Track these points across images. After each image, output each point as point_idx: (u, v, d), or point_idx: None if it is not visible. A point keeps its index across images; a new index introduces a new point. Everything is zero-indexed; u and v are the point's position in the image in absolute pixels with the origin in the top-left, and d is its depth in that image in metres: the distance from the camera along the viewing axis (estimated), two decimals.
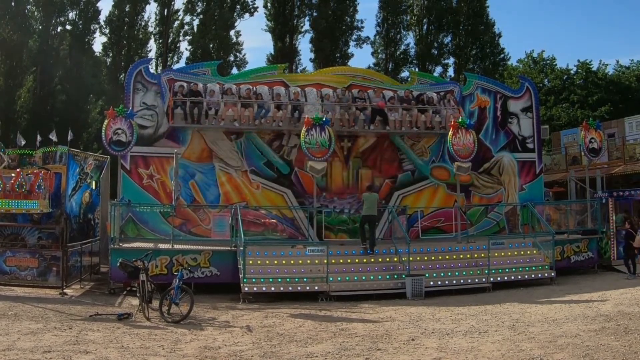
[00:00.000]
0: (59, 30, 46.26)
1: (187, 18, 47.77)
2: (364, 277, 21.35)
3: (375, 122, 26.42)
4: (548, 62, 55.87)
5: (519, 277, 22.73)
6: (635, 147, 33.22)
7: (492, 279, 22.07)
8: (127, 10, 47.15)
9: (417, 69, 45.92)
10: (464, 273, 22.24)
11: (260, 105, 25.80)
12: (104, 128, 23.39)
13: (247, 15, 48.62)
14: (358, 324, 15.80)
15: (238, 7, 48.30)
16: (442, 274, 22.02)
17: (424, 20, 49.15)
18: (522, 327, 14.61)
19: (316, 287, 20.50)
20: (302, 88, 26.85)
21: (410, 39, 50.00)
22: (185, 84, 25.93)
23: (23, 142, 25.74)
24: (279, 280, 20.62)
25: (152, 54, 47.73)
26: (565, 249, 25.19)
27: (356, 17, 48.74)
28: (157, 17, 47.68)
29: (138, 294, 16.89)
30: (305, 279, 20.74)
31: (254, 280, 20.36)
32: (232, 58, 48.11)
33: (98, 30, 47.19)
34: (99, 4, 47.23)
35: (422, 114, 26.97)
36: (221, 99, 25.57)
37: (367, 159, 27.67)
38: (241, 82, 26.80)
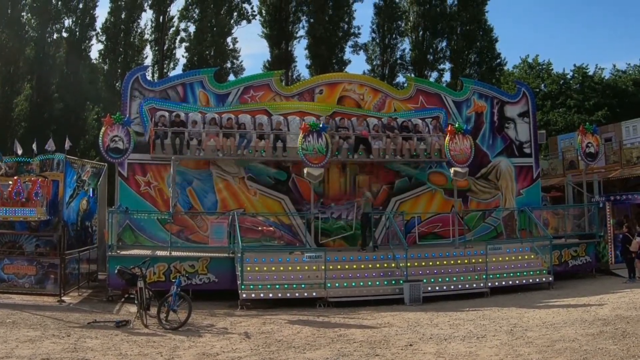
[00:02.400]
0: (55, 37, 46.23)
1: (183, 25, 47.77)
2: (361, 283, 21.36)
3: (358, 150, 26.19)
4: (544, 67, 55.92)
5: (517, 281, 22.79)
6: (633, 151, 33.27)
7: (490, 284, 22.11)
8: (122, 17, 47.06)
9: (413, 75, 45.90)
10: (462, 278, 22.28)
11: (242, 135, 25.52)
12: (101, 135, 23.46)
13: (244, 22, 48.63)
14: (356, 330, 15.81)
15: (235, 13, 48.28)
16: (440, 280, 22.05)
17: (419, 26, 49.12)
18: (520, 332, 14.63)
19: (314, 294, 20.51)
20: (285, 116, 26.63)
21: (406, 44, 50.05)
22: (166, 114, 25.71)
23: (20, 151, 25.72)
24: (277, 286, 20.62)
25: (148, 61, 47.75)
26: (563, 254, 25.24)
27: (353, 24, 48.71)
28: (153, 24, 47.64)
29: (136, 301, 16.90)
30: (303, 285, 20.76)
31: (251, 286, 20.37)
32: (229, 65, 48.05)
33: (94, 38, 47.17)
34: (95, 11, 47.12)
35: (406, 142, 26.69)
36: (202, 128, 25.33)
37: (365, 165, 27.68)
38: (223, 111, 26.47)
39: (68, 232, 24.73)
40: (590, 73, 54.05)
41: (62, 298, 20.66)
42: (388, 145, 26.39)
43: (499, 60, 50.24)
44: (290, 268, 21.53)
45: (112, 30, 46.72)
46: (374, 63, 49.80)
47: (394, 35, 49.83)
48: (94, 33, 46.97)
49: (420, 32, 49.20)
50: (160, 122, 25.27)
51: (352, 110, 27.99)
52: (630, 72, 56.11)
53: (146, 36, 48.08)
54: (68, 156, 25.42)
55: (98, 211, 27.64)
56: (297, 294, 20.53)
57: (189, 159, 25.35)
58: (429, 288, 21.36)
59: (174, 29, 47.90)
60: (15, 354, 12.51)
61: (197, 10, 47.45)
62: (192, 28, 47.46)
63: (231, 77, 45.60)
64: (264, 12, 47.48)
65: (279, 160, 26.16)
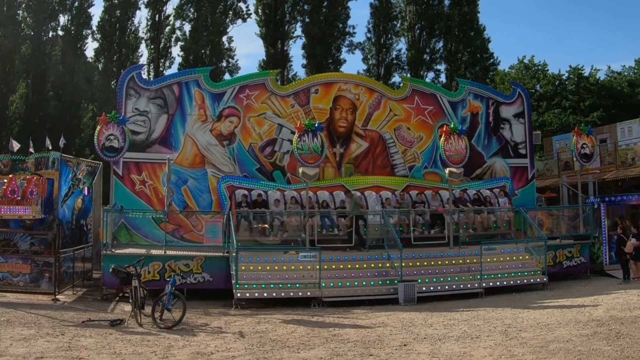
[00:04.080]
0: (50, 35, 46.11)
1: (178, 23, 47.72)
2: (356, 283, 21.36)
3: (434, 225, 25.97)
4: (540, 67, 56.01)
5: (512, 282, 22.81)
6: (627, 152, 33.29)
7: (484, 285, 22.10)
8: (117, 15, 46.98)
9: (409, 75, 45.95)
10: (457, 278, 22.29)
11: (325, 215, 25.24)
12: (96, 134, 23.49)
13: (239, 21, 48.54)
14: (350, 330, 15.81)
15: (230, 13, 48.20)
16: (434, 280, 22.06)
17: (416, 26, 49.13)
18: (514, 332, 14.64)
19: (309, 293, 20.52)
20: (361, 191, 26.43)
21: (402, 44, 50.07)
22: (247, 192, 25.54)
23: (17, 148, 25.66)
24: (272, 286, 20.63)
25: (143, 60, 47.68)
26: (557, 254, 25.25)
27: (348, 23, 48.71)
28: (149, 23, 47.56)
29: (130, 300, 16.86)
30: (297, 285, 20.75)
31: (246, 286, 20.36)
32: (224, 64, 48.00)
33: (90, 36, 47.06)
34: (90, 10, 47.06)
35: (478, 215, 26.64)
36: (284, 208, 25.09)
37: (360, 165, 27.75)
38: (300, 188, 25.92)
39: (63, 230, 24.67)
40: (586, 74, 54.18)
41: (57, 297, 20.65)
42: (461, 220, 26.16)
43: (492, 61, 50.31)
44: (285, 267, 21.56)
45: (108, 28, 46.62)
46: (370, 63, 49.85)
47: (389, 35, 49.83)
48: (89, 31, 46.92)
49: (417, 32, 49.21)
50: (243, 201, 25.06)
51: (424, 184, 28.17)
52: (626, 73, 56.25)
53: (141, 34, 48.08)
54: (63, 154, 25.37)
55: (93, 210, 27.63)
56: (291, 294, 20.53)
57: (272, 242, 24.51)
58: (424, 288, 21.37)
59: (169, 27, 47.88)
60: (10, 352, 12.49)
61: (192, 9, 47.46)
62: (187, 27, 47.50)
63: (227, 76, 45.62)
64: (259, 11, 47.49)
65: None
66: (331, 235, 24.76)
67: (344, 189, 26.76)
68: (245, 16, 48.45)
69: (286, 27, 48.10)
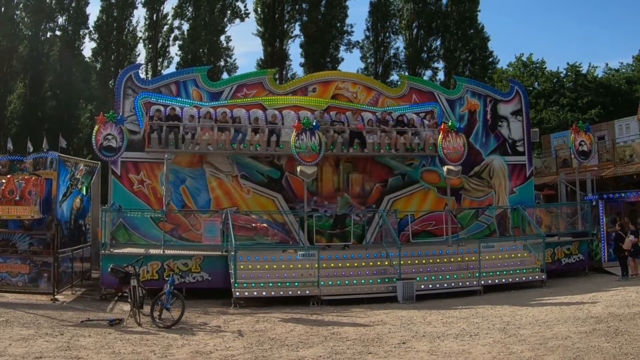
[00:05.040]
0: (48, 35, 46.12)
1: (176, 23, 47.73)
2: (355, 281, 21.37)
3: (353, 144, 26.18)
4: (538, 65, 56.01)
5: (510, 279, 22.84)
6: (625, 149, 33.28)
7: (483, 282, 22.14)
8: (114, 15, 47.00)
9: (407, 73, 45.99)
10: (455, 276, 22.31)
11: (237, 129, 25.55)
12: (94, 134, 23.49)
13: (237, 20, 48.55)
14: (349, 328, 15.82)
15: (228, 12, 48.22)
16: (433, 278, 22.08)
17: (414, 24, 49.18)
18: (513, 330, 14.66)
19: (307, 292, 20.52)
20: (279, 111, 26.42)
21: (400, 42, 50.11)
22: (162, 108, 25.62)
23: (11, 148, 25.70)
24: (270, 284, 20.64)
25: (141, 59, 47.69)
26: (556, 252, 25.27)
27: (346, 22, 48.73)
28: (147, 22, 47.56)
29: (129, 300, 16.87)
30: (296, 284, 20.76)
31: (245, 285, 20.38)
32: (222, 63, 47.99)
33: (87, 36, 47.15)
34: (87, 9, 47.15)
35: (401, 136, 26.67)
36: (197, 123, 25.27)
37: (358, 163, 27.68)
38: (218, 105, 26.39)
39: (61, 230, 24.70)
40: (584, 72, 54.18)
41: (56, 296, 20.63)
42: (382, 139, 26.41)
43: (491, 59, 50.35)
44: (283, 266, 21.57)
45: (105, 28, 46.66)
46: (368, 61, 49.90)
47: (387, 34, 49.92)
48: (87, 31, 46.99)
49: (415, 30, 49.27)
50: (156, 117, 25.21)
51: (346, 105, 27.83)
52: (623, 70, 56.27)
53: (139, 34, 48.11)
54: (61, 154, 25.39)
55: (91, 209, 27.62)
56: (290, 292, 20.53)
57: (184, 152, 25.29)
58: (422, 286, 21.37)
59: (167, 27, 47.87)
60: (9, 353, 12.50)
61: (190, 9, 47.43)
62: (185, 26, 47.52)
63: (225, 76, 45.60)
64: (258, 10, 47.50)
65: (272, 154, 26.26)
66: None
67: (262, 107, 26.72)
68: (244, 15, 48.54)
69: (285, 26, 48.13)
